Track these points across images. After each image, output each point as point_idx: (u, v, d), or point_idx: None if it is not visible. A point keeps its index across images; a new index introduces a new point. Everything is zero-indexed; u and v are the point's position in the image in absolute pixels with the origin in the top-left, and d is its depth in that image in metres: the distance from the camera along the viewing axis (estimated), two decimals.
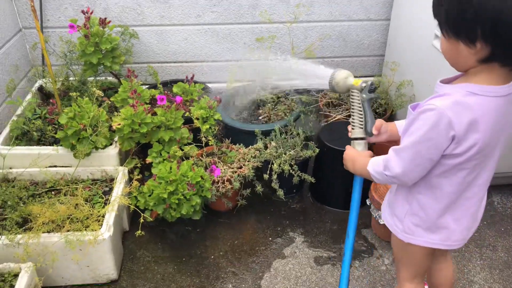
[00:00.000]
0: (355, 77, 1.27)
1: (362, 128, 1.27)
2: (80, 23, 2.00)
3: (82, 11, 1.98)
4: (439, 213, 1.14)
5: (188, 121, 2.06)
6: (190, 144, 2.05)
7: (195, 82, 2.22)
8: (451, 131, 0.98)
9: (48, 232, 1.60)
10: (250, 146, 2.06)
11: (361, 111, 1.27)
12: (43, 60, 2.40)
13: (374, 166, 1.15)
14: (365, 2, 2.44)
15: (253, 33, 2.47)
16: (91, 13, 1.99)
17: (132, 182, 1.83)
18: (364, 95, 1.25)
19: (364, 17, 2.49)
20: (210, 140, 2.02)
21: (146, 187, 1.82)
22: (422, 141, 1.02)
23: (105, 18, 2.00)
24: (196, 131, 2.08)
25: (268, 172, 1.99)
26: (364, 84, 1.25)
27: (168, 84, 2.43)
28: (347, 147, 1.30)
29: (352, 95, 1.27)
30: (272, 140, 2.08)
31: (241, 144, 2.10)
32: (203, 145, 2.04)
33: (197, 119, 2.08)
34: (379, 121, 1.27)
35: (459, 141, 1.00)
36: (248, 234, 2.01)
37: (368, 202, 1.92)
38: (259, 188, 1.99)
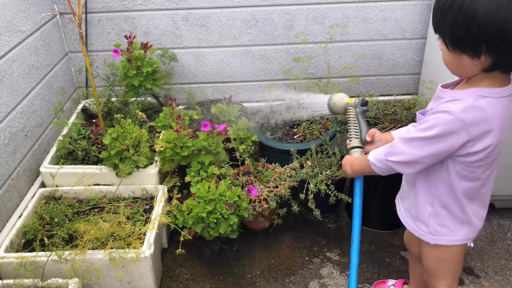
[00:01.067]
0: (351, 97, 1.46)
1: (357, 138, 1.42)
2: (123, 47, 2.09)
3: (125, 36, 2.07)
4: (461, 209, 1.21)
5: (224, 139, 2.11)
6: (227, 164, 2.09)
7: (232, 103, 2.27)
8: (464, 133, 1.06)
9: (93, 249, 1.66)
10: (286, 166, 2.08)
11: (356, 123, 1.42)
12: (86, 82, 2.51)
13: (375, 154, 1.24)
14: (401, 21, 2.45)
15: (287, 54, 2.51)
16: (134, 38, 2.08)
17: (172, 201, 1.87)
18: (357, 109, 1.43)
19: (400, 36, 2.49)
20: (246, 159, 2.06)
21: (185, 205, 1.87)
22: (435, 137, 1.09)
23: (147, 43, 2.09)
24: (232, 150, 2.12)
25: (304, 191, 2.00)
26: (357, 101, 1.43)
27: (204, 104, 2.49)
28: (345, 156, 1.42)
29: (349, 112, 1.45)
30: (308, 160, 2.09)
31: (277, 163, 2.13)
32: (239, 164, 2.08)
33: (235, 139, 2.12)
34: (373, 130, 1.38)
35: (474, 141, 1.08)
36: (284, 254, 2.01)
37: None
38: (295, 207, 2.00)
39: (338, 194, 1.97)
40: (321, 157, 2.09)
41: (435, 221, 1.25)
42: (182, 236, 1.77)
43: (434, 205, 1.23)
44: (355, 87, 2.59)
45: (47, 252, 1.61)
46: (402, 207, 1.35)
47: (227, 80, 2.61)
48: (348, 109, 1.47)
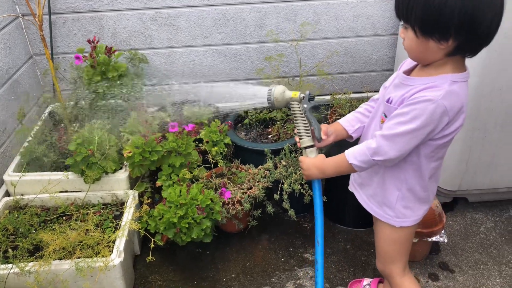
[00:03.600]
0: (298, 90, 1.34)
1: (309, 136, 1.33)
2: (89, 51, 2.03)
3: (88, 40, 2.00)
4: (424, 188, 1.26)
5: (196, 140, 2.07)
6: (199, 166, 2.05)
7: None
8: (445, 117, 1.10)
9: (59, 259, 1.59)
10: (260, 166, 2.05)
11: (305, 120, 1.32)
12: (53, 86, 2.43)
13: (358, 156, 1.22)
14: (372, 17, 2.44)
15: (260, 52, 2.47)
16: (97, 42, 2.02)
17: (142, 206, 1.82)
18: (305, 105, 1.31)
19: (372, 33, 2.48)
20: (219, 161, 2.02)
21: (156, 211, 1.82)
22: (421, 128, 1.11)
23: (111, 47, 2.02)
24: (205, 152, 2.08)
25: (278, 192, 1.97)
26: (303, 95, 1.31)
27: (177, 105, 2.44)
28: (301, 158, 1.36)
29: (293, 107, 1.32)
30: (282, 159, 2.06)
31: (251, 164, 2.09)
32: (212, 166, 2.04)
33: (207, 142, 2.08)
34: (324, 126, 1.36)
35: (450, 124, 1.13)
36: (260, 256, 1.98)
37: None
38: (269, 208, 1.97)
39: (312, 194, 1.95)
40: (295, 157, 2.06)
41: (401, 204, 1.29)
42: (152, 242, 1.72)
43: (402, 189, 1.26)
44: (329, 84, 2.57)
45: (8, 265, 1.54)
46: (364, 195, 1.37)
47: (200, 80, 2.56)
48: (292, 104, 1.33)
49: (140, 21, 2.36)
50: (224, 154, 2.12)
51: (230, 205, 1.91)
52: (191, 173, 1.93)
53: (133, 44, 2.41)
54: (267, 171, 2.03)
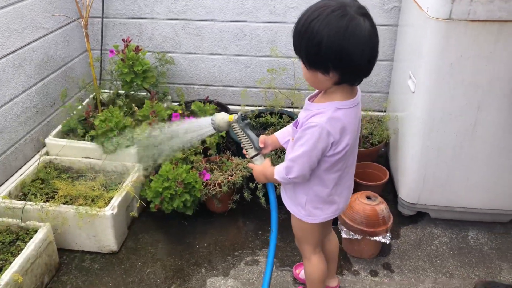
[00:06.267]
0: (231, 114, 1.58)
1: (252, 148, 1.59)
2: (121, 48, 2.53)
3: (123, 39, 2.51)
4: (329, 194, 1.50)
5: None
6: (198, 153, 2.46)
7: (210, 102, 2.64)
8: (331, 138, 1.33)
9: (66, 202, 2.08)
10: (244, 159, 2.41)
11: (245, 136, 1.57)
12: (100, 75, 2.98)
13: (279, 174, 1.49)
14: None
15: (270, 65, 2.84)
16: (130, 41, 2.52)
17: (139, 176, 2.26)
18: (240, 124, 1.55)
19: None
20: (212, 151, 2.42)
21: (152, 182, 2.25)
22: (312, 149, 1.35)
23: (138, 46, 2.50)
24: (205, 142, 2.48)
25: (255, 181, 2.32)
26: (236, 117, 1.55)
27: (194, 102, 2.88)
28: (249, 165, 1.63)
29: (233, 128, 1.57)
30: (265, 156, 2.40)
31: (240, 157, 2.46)
32: (208, 154, 2.44)
33: None
34: (262, 137, 1.60)
35: (337, 144, 1.35)
36: (232, 234, 2.33)
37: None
38: (247, 194, 2.32)
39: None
40: (276, 154, 2.40)
41: (311, 205, 1.53)
42: (141, 206, 2.15)
43: (309, 194, 1.51)
44: None
45: (27, 202, 2.04)
46: (286, 195, 1.63)
47: (218, 84, 2.99)
48: (232, 125, 1.56)
49: (172, 29, 2.84)
50: (222, 146, 2.51)
51: (211, 186, 2.30)
52: (184, 155, 2.34)
53: (166, 48, 2.90)
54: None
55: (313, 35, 1.24)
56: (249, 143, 1.59)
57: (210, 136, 2.48)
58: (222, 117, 1.57)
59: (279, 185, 1.65)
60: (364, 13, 1.26)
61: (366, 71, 1.31)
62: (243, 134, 1.58)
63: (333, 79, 1.29)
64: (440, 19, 1.79)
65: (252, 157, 1.61)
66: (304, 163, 1.39)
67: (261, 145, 1.59)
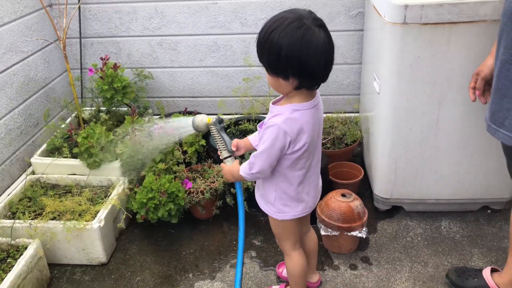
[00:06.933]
0: (210, 115, 1.69)
1: (225, 149, 1.71)
2: (100, 66, 2.62)
3: (101, 58, 2.60)
4: (295, 191, 1.61)
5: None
6: (180, 163, 2.55)
7: (189, 113, 2.74)
8: (288, 137, 1.45)
9: (54, 219, 2.15)
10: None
11: (220, 138, 1.69)
12: (81, 94, 3.06)
13: (243, 169, 1.60)
14: (341, 48, 2.84)
15: (246, 74, 2.95)
16: (108, 59, 2.61)
17: (124, 189, 2.35)
18: (217, 127, 1.67)
19: (342, 61, 2.88)
20: (192, 160, 2.51)
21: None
22: (270, 147, 1.47)
23: (116, 63, 2.60)
24: (186, 152, 2.58)
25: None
26: (214, 120, 1.67)
27: (172, 114, 2.97)
28: (221, 165, 1.74)
29: (211, 130, 1.69)
30: (244, 160, 2.51)
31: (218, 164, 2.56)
32: (189, 163, 2.53)
33: (186, 143, 2.58)
34: (235, 141, 1.71)
35: (294, 142, 1.47)
36: (217, 238, 2.43)
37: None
38: (229, 200, 2.42)
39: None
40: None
41: (280, 202, 1.64)
42: (126, 217, 2.23)
43: (277, 191, 1.63)
44: None
45: (15, 220, 2.12)
46: (258, 194, 1.74)
47: (197, 95, 3.09)
48: (210, 127, 1.68)
49: (149, 45, 2.94)
50: (203, 154, 2.61)
51: (194, 194, 2.39)
52: (166, 166, 2.43)
53: (144, 63, 2.99)
54: None
55: (273, 45, 1.36)
56: (223, 145, 1.70)
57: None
58: (201, 119, 1.68)
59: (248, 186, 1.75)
60: (320, 24, 1.38)
61: (323, 77, 1.43)
62: (218, 136, 1.69)
63: (293, 84, 1.41)
64: (396, 24, 1.92)
65: (225, 158, 1.72)
66: (264, 160, 1.50)
67: (234, 148, 1.71)
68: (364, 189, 2.67)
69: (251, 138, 1.74)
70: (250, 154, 1.66)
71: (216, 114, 2.96)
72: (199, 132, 1.72)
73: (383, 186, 2.37)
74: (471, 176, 2.27)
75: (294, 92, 1.46)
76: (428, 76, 2.01)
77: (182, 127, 1.73)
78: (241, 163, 1.69)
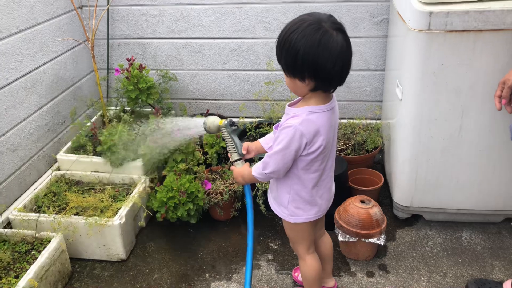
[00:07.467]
0: (222, 118, 1.69)
1: (236, 152, 1.71)
2: (126, 67, 2.68)
3: (127, 59, 2.66)
4: (310, 194, 1.61)
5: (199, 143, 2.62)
6: (201, 164, 2.59)
7: (211, 115, 2.77)
8: (304, 138, 1.46)
9: (77, 214, 2.21)
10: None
11: (231, 141, 1.69)
12: (107, 94, 3.14)
13: (256, 169, 1.62)
14: (365, 55, 2.84)
15: (268, 78, 2.97)
16: (134, 60, 2.67)
17: (145, 187, 2.39)
18: (228, 129, 1.68)
19: (365, 68, 2.88)
20: (212, 162, 2.54)
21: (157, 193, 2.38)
22: (286, 148, 1.49)
23: (141, 64, 2.65)
24: (207, 153, 2.61)
25: (255, 189, 2.43)
26: (226, 122, 1.67)
27: (194, 116, 3.01)
28: (232, 168, 1.75)
29: (222, 132, 1.69)
30: None
31: None
32: (210, 164, 2.56)
33: (206, 144, 2.62)
34: (246, 143, 1.72)
35: (310, 144, 1.48)
36: (234, 240, 2.44)
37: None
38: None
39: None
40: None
41: (293, 205, 1.65)
42: (145, 212, 2.27)
43: (291, 193, 1.63)
44: None
45: (40, 214, 2.18)
46: (271, 197, 1.75)
47: (219, 98, 3.13)
48: (221, 129, 1.68)
49: (174, 48, 2.99)
50: (223, 156, 2.64)
51: (213, 195, 2.42)
52: (187, 166, 2.47)
53: (168, 65, 3.05)
54: None
55: (290, 46, 1.38)
56: (234, 147, 1.71)
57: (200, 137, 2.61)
58: (213, 120, 1.69)
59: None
60: (338, 28, 1.40)
61: (339, 80, 1.44)
62: (229, 138, 1.70)
63: (309, 86, 1.43)
64: (420, 31, 1.92)
65: (235, 160, 1.73)
66: (278, 160, 1.51)
67: (244, 151, 1.72)
68: (384, 196, 2.65)
69: (262, 141, 1.75)
70: (259, 158, 1.67)
71: (238, 117, 3.02)
72: (210, 133, 1.72)
73: (403, 194, 2.35)
74: (493, 187, 2.23)
75: (310, 94, 1.48)
76: (452, 83, 1.99)
77: (194, 127, 1.75)
78: (251, 166, 1.70)
